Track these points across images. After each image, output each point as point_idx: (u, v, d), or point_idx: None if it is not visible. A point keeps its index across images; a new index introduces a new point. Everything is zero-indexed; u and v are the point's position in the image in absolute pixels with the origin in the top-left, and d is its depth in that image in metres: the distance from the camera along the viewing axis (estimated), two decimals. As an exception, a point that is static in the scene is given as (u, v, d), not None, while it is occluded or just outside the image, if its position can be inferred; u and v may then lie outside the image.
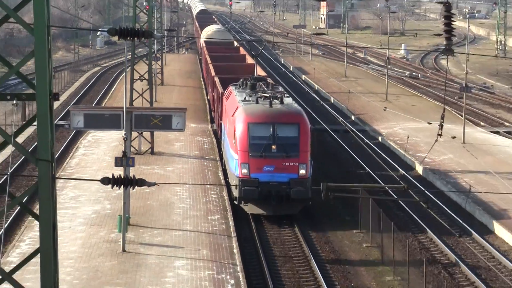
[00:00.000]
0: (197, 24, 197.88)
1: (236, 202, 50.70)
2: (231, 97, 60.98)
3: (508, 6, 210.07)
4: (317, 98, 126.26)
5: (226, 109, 62.66)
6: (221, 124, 70.30)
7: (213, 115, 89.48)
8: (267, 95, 54.18)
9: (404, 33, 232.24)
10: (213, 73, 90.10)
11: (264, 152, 48.37)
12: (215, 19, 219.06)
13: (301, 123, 50.37)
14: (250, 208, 49.50)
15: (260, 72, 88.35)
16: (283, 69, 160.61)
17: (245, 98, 56.19)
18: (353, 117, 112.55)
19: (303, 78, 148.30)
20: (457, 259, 54.69)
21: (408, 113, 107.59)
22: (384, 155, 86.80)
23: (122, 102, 67.25)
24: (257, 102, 53.17)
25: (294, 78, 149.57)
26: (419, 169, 79.89)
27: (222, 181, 70.91)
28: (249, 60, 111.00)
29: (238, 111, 52.48)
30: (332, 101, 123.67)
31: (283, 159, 48.49)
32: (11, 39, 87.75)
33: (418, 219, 63.27)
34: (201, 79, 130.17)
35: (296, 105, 57.56)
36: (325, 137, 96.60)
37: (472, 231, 61.12)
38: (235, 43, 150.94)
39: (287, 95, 58.36)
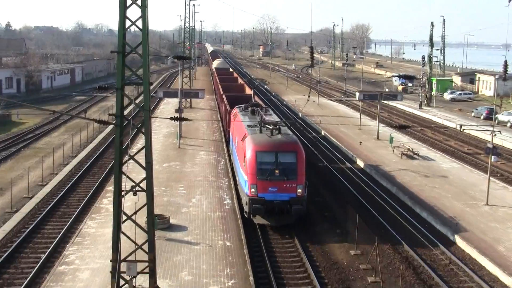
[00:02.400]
0: (210, 57, 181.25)
1: (246, 216, 35.26)
2: (238, 119, 44.34)
3: (337, 47, 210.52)
4: (262, 87, 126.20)
5: (234, 127, 45.10)
6: (228, 131, 51.09)
7: (220, 116, 69.67)
8: (270, 127, 37.22)
9: (294, 59, 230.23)
10: (221, 91, 70.32)
11: (269, 176, 33.51)
12: (219, 56, 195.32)
13: (298, 151, 35.02)
14: (257, 220, 34.78)
15: (247, 88, 72.83)
16: (245, 70, 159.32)
17: (250, 125, 39.40)
18: (267, 87, 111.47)
19: (252, 75, 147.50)
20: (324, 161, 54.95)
21: (295, 92, 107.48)
22: (286, 109, 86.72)
23: (178, 86, 67.39)
24: (260, 131, 37.12)
25: (248, 72, 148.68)
26: (299, 114, 79.71)
27: (219, 118, 69.65)
28: (240, 80, 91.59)
29: (247, 140, 36.50)
30: (265, 87, 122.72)
31: (284, 182, 33.62)
32: (133, 61, 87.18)
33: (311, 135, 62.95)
34: (211, 78, 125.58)
35: (291, 134, 39.97)
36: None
37: (321, 139, 61.45)
38: (231, 69, 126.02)
39: (283, 124, 40.67)
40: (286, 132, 38.36)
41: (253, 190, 32.80)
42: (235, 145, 41.41)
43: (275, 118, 44.54)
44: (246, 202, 33.38)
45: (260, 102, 53.65)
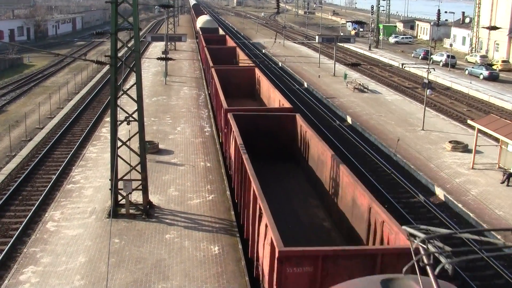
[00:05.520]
0: (192, 11, 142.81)
1: None
2: None
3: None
4: (234, 29, 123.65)
5: None
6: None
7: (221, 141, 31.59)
8: None
9: (263, 8, 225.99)
10: (220, 95, 30.13)
11: None
12: (203, 10, 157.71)
13: None
14: None
15: (263, 79, 37.19)
16: (221, 17, 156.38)
17: None
18: (242, 34, 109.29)
19: (227, 21, 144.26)
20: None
21: (265, 35, 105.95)
22: (256, 47, 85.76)
23: (164, 31, 65.78)
24: None
25: (224, 20, 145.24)
26: (267, 53, 78.76)
27: (199, 57, 68.15)
28: (241, 54, 52.60)
29: None
30: (236, 30, 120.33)
31: None
32: (125, 10, 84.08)
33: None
34: (192, 25, 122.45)
35: None
36: (244, 44, 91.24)
37: (286, 80, 61.02)
38: (220, 30, 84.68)
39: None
40: None
41: None
42: None
43: None
44: None
45: None
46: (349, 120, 40.34)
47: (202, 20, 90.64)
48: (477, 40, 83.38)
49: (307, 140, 22.83)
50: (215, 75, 35.40)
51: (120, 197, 22.00)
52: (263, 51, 76.66)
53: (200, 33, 74.28)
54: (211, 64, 40.54)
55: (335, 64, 61.64)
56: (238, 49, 54.59)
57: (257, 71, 38.38)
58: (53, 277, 17.31)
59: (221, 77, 35.18)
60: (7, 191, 26.41)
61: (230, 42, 62.22)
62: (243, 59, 49.60)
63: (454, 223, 23.80)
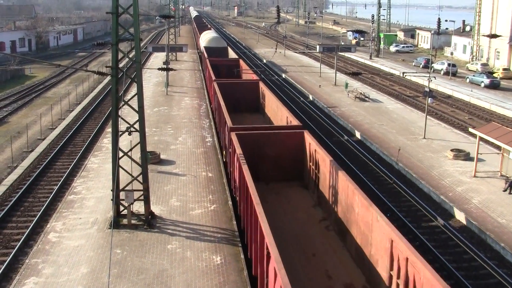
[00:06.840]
0: (194, 25, 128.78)
1: None
2: None
3: (300, 7, 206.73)
4: (234, 39, 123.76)
5: None
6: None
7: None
8: None
9: (264, 18, 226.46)
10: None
11: None
12: (207, 23, 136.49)
13: None
14: None
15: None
16: (224, 29, 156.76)
17: None
18: (244, 44, 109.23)
19: (227, 32, 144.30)
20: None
21: (265, 45, 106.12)
22: (257, 57, 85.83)
23: (165, 42, 65.63)
24: None
25: (225, 30, 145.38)
26: (268, 63, 78.69)
27: (200, 67, 68.85)
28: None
29: None
30: (238, 39, 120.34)
31: None
32: (126, 21, 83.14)
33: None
34: (193, 35, 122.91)
35: None
36: (239, 49, 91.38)
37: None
38: (229, 49, 68.57)
39: None
40: None
41: None
42: None
43: None
44: None
45: None
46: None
47: (207, 38, 73.05)
48: (477, 48, 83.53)
49: None
50: (238, 145, 21.90)
51: (121, 208, 21.99)
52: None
53: (206, 55, 56.71)
54: (229, 123, 25.32)
55: (336, 73, 61.80)
56: (261, 85, 38.10)
57: (307, 136, 23.41)
58: (55, 288, 17.28)
59: (247, 146, 22.95)
60: (9, 202, 26.45)
61: (248, 72, 47.03)
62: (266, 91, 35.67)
63: (457, 231, 23.74)
